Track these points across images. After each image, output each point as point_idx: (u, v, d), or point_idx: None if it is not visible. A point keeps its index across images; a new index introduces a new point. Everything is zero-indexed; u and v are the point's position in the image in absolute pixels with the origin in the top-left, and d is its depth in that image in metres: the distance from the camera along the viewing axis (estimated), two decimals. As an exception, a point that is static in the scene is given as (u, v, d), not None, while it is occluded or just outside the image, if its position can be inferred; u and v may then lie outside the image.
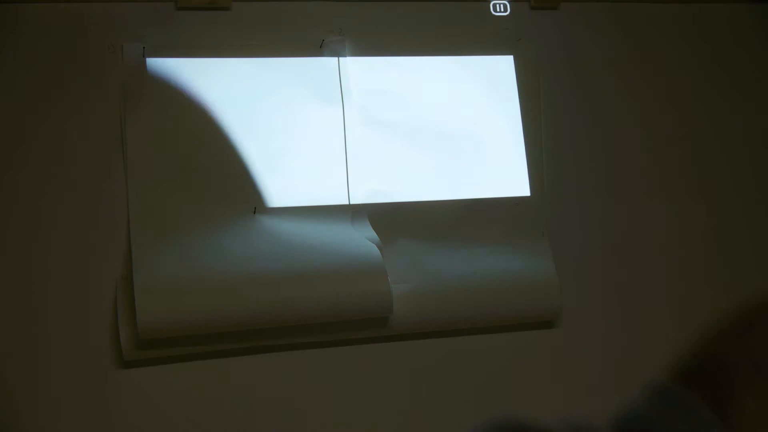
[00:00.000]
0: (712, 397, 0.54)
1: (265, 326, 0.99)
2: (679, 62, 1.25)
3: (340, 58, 1.12)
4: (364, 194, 1.09)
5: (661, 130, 1.23)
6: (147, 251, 0.98)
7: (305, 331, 1.03)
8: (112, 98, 1.05)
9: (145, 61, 1.05)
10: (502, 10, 1.20)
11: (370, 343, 1.07)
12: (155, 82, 1.05)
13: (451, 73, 1.15)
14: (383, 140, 1.12)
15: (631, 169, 1.21)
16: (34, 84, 1.04)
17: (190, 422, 1.01)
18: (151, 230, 1.00)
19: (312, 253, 1.01)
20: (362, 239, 1.04)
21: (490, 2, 1.20)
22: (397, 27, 1.16)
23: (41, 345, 0.98)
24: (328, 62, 1.11)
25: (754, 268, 1.22)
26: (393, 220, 1.09)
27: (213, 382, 1.03)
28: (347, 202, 1.08)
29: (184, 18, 1.09)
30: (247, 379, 1.04)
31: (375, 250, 1.03)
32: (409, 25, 1.16)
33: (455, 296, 1.07)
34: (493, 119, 1.15)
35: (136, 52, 1.05)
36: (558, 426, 0.53)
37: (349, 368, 1.07)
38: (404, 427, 1.07)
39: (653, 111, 1.23)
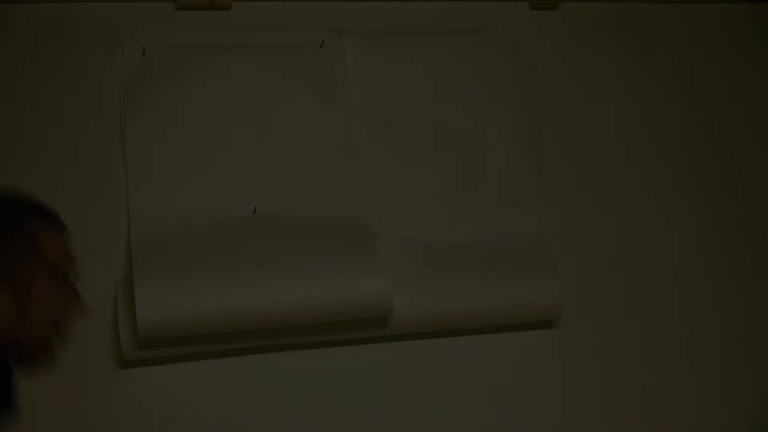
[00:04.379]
0: None
1: (265, 326, 0.99)
2: (679, 62, 1.25)
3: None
4: (365, 193, 1.09)
5: (662, 130, 1.23)
6: (147, 251, 0.98)
7: (305, 331, 1.03)
8: (112, 98, 1.05)
9: (145, 61, 1.05)
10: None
11: (370, 343, 1.07)
12: (155, 81, 1.05)
13: (451, 73, 1.14)
14: (384, 139, 1.11)
15: (631, 169, 1.21)
16: (34, 84, 1.04)
17: (190, 422, 1.01)
18: (151, 230, 1.00)
19: (312, 252, 1.01)
20: (363, 240, 1.04)
21: (489, 2, 1.20)
22: (397, 27, 1.15)
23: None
24: (329, 62, 1.11)
25: (754, 270, 1.22)
26: (394, 219, 1.09)
27: (213, 382, 1.03)
28: (348, 202, 1.08)
29: (184, 18, 1.09)
30: (247, 379, 1.04)
31: (375, 251, 1.03)
32: (409, 25, 1.16)
33: (455, 296, 1.06)
34: (493, 119, 1.14)
35: (136, 52, 1.05)
36: None
37: (349, 368, 1.07)
38: (404, 426, 1.07)
39: (653, 111, 1.23)
